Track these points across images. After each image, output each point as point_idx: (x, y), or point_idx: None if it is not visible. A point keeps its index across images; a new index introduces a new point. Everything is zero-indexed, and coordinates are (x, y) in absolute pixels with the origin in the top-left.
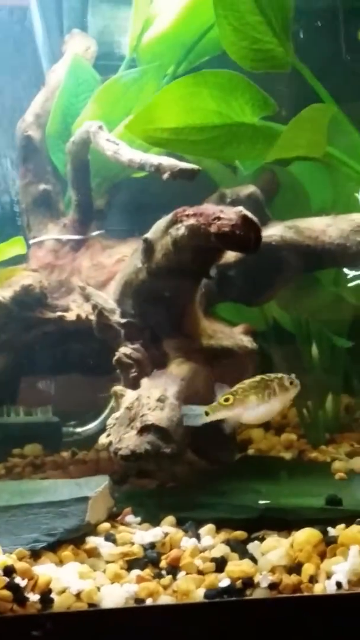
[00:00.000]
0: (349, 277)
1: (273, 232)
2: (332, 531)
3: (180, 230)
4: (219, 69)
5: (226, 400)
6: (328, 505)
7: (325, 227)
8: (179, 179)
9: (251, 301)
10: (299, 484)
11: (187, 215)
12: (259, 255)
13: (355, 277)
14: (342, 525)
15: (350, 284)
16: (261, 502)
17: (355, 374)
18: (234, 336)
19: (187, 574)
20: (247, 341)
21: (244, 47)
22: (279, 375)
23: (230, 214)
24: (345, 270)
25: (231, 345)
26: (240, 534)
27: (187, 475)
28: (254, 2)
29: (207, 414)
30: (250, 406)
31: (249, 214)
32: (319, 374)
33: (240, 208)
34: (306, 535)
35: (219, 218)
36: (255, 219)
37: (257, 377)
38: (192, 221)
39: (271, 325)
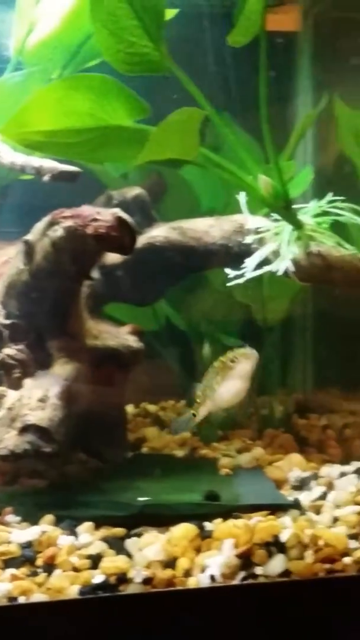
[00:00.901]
0: (229, 277)
1: (158, 233)
2: (208, 526)
3: (58, 232)
4: (92, 73)
5: (198, 397)
6: (206, 501)
7: (209, 228)
8: (60, 181)
9: (138, 301)
10: (184, 481)
11: (65, 217)
12: (145, 255)
13: (236, 277)
14: (219, 520)
15: (229, 284)
16: (140, 499)
17: None
18: (120, 336)
19: (62, 571)
20: (132, 341)
21: (120, 51)
22: (230, 354)
23: (106, 215)
24: (227, 270)
25: (116, 345)
26: (119, 530)
27: (78, 474)
28: (130, 7)
29: (194, 415)
30: (213, 397)
31: (124, 216)
32: None
33: (116, 210)
34: (182, 531)
35: (95, 220)
36: (130, 220)
37: (215, 363)
38: (69, 223)
39: (164, 325)
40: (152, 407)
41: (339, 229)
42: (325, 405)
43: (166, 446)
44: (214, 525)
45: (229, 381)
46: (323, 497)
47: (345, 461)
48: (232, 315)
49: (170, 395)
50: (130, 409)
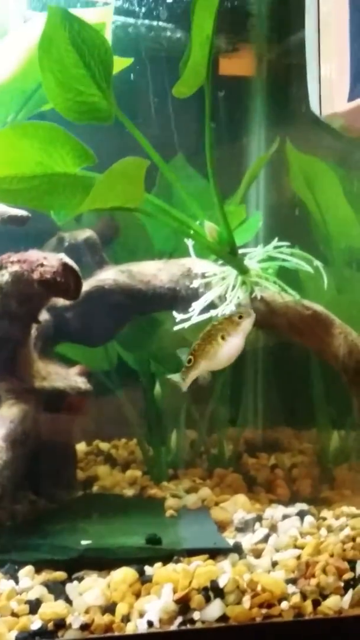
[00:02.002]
0: (177, 320)
1: (107, 275)
2: (148, 570)
3: (5, 276)
4: (39, 121)
5: (189, 362)
6: (147, 544)
7: (157, 272)
8: (10, 225)
9: (88, 342)
10: (129, 523)
11: (12, 262)
12: (94, 298)
13: (182, 321)
14: (160, 564)
15: (175, 327)
16: (83, 542)
17: (199, 410)
18: (69, 377)
19: (0, 617)
20: (81, 382)
21: (69, 99)
22: (227, 314)
23: (52, 261)
24: (175, 313)
25: (64, 387)
26: (60, 574)
27: (26, 515)
28: (78, 56)
29: (183, 379)
30: (211, 356)
31: (70, 262)
32: (162, 411)
33: (62, 255)
34: (122, 575)
35: (41, 265)
36: (75, 266)
37: (208, 326)
38: (16, 267)
39: (115, 364)
40: (104, 445)
41: (288, 273)
42: (275, 444)
43: (117, 485)
44: (154, 570)
45: (234, 338)
46: (265, 540)
47: (291, 502)
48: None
49: (122, 433)
50: (82, 447)
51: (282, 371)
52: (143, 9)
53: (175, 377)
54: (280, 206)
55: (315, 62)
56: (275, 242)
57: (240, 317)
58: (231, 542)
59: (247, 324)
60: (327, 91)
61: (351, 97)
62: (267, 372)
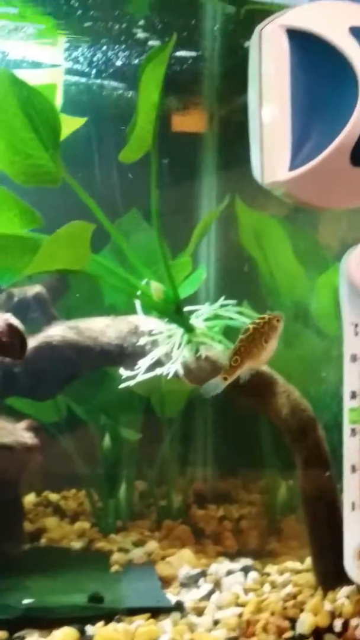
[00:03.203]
0: (123, 377)
1: (55, 332)
2: (90, 629)
3: None
4: None
5: (235, 361)
6: (89, 603)
7: (105, 328)
8: None
9: (36, 397)
10: (74, 578)
11: None
12: (42, 353)
13: (128, 378)
14: (102, 623)
15: (121, 385)
16: (25, 600)
17: (148, 462)
18: (16, 432)
19: None
20: (28, 437)
21: (17, 162)
22: (265, 317)
23: None
24: (121, 370)
25: (11, 442)
26: (1, 634)
27: None
28: (27, 119)
29: (225, 379)
30: (255, 357)
31: (15, 322)
32: (110, 464)
33: (8, 316)
34: (63, 635)
35: None
36: (21, 327)
37: (249, 328)
38: None
39: (65, 416)
40: (53, 497)
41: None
42: (224, 495)
43: (65, 537)
44: (96, 629)
45: (273, 340)
46: (208, 596)
47: (239, 554)
48: (131, 407)
49: (72, 484)
50: (31, 498)
51: (231, 422)
52: (95, 70)
53: (214, 381)
54: (230, 260)
55: (258, 129)
56: (221, 301)
57: (278, 321)
58: (174, 599)
59: (281, 326)
60: (268, 159)
61: (292, 167)
62: (217, 423)
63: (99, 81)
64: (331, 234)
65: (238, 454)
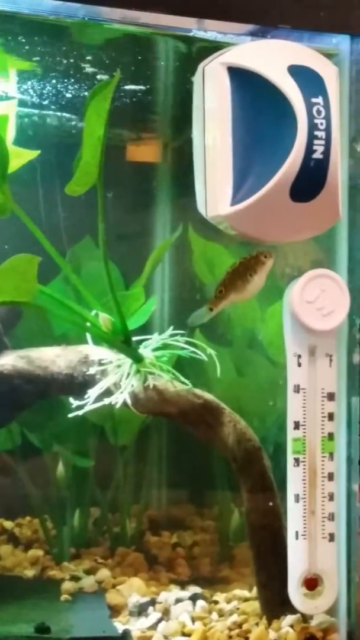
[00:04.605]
0: (73, 406)
1: (5, 361)
2: None
3: None
4: None
5: (220, 292)
6: (35, 633)
7: (55, 358)
8: None
9: None
10: (23, 607)
11: None
12: None
13: (78, 407)
14: None
15: (71, 415)
16: None
17: (101, 489)
18: None
19: None
20: None
21: None
22: (254, 253)
23: None
24: (71, 399)
25: None
26: None
27: None
28: None
29: (210, 309)
30: (239, 290)
31: None
32: (64, 490)
33: None
34: None
35: None
36: None
37: (236, 262)
38: None
39: (19, 443)
40: (8, 524)
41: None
42: (178, 522)
43: (18, 564)
44: None
45: (260, 275)
46: (155, 625)
47: (192, 581)
48: (84, 434)
49: (26, 511)
50: None
51: (184, 449)
52: (47, 101)
53: (200, 311)
54: (184, 289)
55: (201, 164)
56: (170, 331)
57: (265, 257)
58: (122, 628)
59: (270, 263)
60: (211, 194)
61: (233, 202)
62: (170, 450)
63: (51, 113)
64: (283, 263)
65: (192, 480)
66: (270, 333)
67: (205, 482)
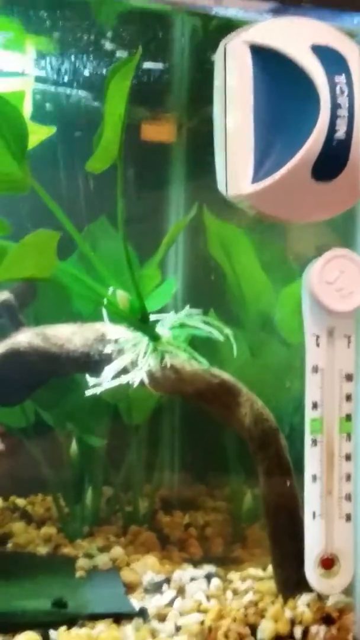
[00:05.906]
0: (90, 385)
1: (22, 338)
2: (53, 634)
3: None
4: None
5: None
6: (53, 608)
7: (71, 335)
8: None
9: (3, 402)
10: (39, 583)
11: None
12: (9, 359)
13: (94, 386)
14: (64, 628)
15: (87, 392)
16: None
17: (114, 468)
18: None
19: None
20: None
21: None
22: None
23: None
24: (87, 377)
25: None
26: None
27: None
28: None
29: None
30: None
31: None
32: (77, 469)
33: None
34: (25, 639)
35: None
36: None
37: None
38: None
39: (32, 422)
40: (20, 502)
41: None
42: (190, 502)
43: (31, 542)
44: (58, 634)
45: None
46: (171, 603)
47: (204, 560)
48: (98, 413)
49: (39, 489)
50: None
51: (198, 429)
52: (65, 78)
53: None
54: (198, 270)
55: (222, 142)
56: (187, 310)
57: None
58: (138, 605)
59: None
60: (232, 173)
61: (254, 180)
62: (184, 430)
63: (68, 90)
64: (299, 244)
65: (204, 461)
66: (284, 314)
67: (218, 463)
